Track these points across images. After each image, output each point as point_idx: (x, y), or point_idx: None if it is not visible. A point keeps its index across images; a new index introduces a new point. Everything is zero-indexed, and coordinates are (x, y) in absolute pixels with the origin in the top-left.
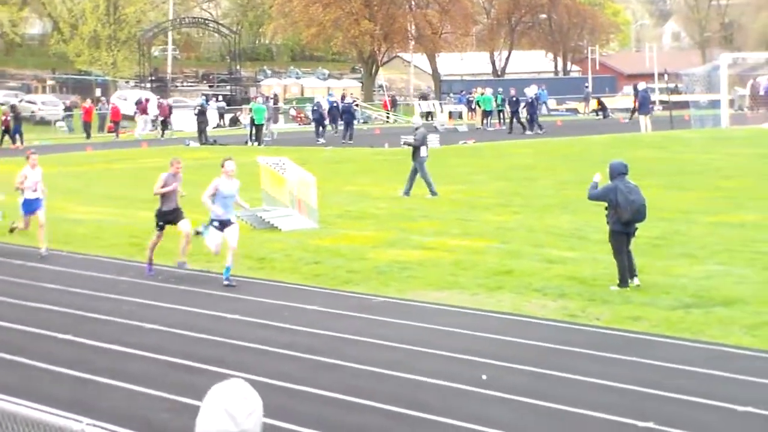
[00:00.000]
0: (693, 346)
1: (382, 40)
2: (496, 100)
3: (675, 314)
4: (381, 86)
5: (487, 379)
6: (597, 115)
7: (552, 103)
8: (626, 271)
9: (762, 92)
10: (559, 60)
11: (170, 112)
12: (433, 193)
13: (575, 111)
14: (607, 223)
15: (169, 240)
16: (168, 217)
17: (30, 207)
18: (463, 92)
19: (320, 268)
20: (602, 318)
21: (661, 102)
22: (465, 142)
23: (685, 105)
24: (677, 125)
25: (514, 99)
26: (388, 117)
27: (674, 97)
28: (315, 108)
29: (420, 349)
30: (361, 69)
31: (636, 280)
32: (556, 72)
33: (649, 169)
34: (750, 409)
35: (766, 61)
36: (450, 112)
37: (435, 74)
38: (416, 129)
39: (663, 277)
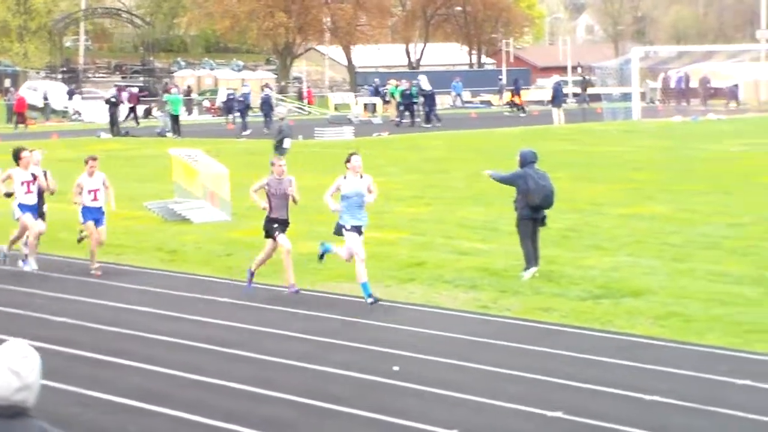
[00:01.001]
0: (602, 336)
1: (296, 32)
2: (411, 93)
3: (584, 305)
4: (296, 78)
5: (399, 370)
6: (511, 107)
7: (467, 95)
8: (531, 256)
9: (673, 85)
10: (474, 52)
11: (139, 101)
12: None
13: (489, 103)
14: (515, 209)
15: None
16: (275, 225)
17: (91, 215)
18: (378, 84)
19: (232, 260)
20: (513, 309)
21: (575, 95)
22: (379, 134)
23: (597, 98)
24: (589, 118)
25: (408, 92)
26: (302, 109)
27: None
28: (240, 99)
29: (332, 341)
30: (276, 61)
31: (532, 274)
32: (470, 64)
33: (561, 161)
34: (657, 398)
35: (677, 54)
36: (365, 104)
37: (350, 66)
38: (280, 120)
39: (573, 268)
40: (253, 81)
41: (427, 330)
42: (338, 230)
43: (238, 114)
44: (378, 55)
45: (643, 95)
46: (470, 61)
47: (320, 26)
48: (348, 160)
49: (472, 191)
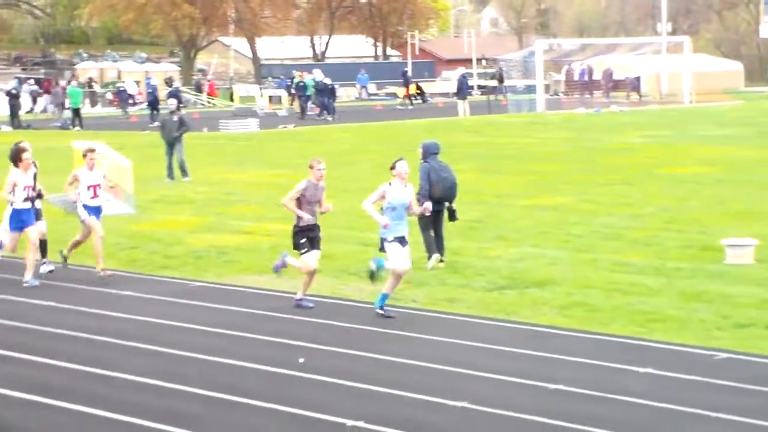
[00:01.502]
0: (507, 326)
1: (201, 23)
2: (316, 86)
3: (490, 296)
4: (200, 70)
5: (304, 362)
6: (416, 99)
7: (372, 87)
8: (433, 244)
9: (577, 77)
10: (380, 45)
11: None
12: (171, 178)
13: (394, 95)
14: (418, 201)
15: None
16: (309, 234)
17: (92, 212)
18: (284, 76)
19: (136, 253)
20: (419, 300)
21: (480, 87)
22: (285, 127)
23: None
24: (494, 110)
25: (302, 84)
26: (210, 101)
27: (492, 82)
28: (150, 91)
29: (238, 333)
30: (180, 53)
31: (437, 261)
32: (376, 57)
33: (467, 153)
34: (561, 386)
35: (580, 47)
36: (270, 97)
37: (255, 58)
38: (170, 113)
39: (478, 259)
40: (156, 73)
41: (332, 322)
42: (382, 245)
43: (146, 106)
44: (283, 47)
45: (547, 87)
46: (376, 53)
47: (225, 18)
48: (393, 167)
49: (378, 182)
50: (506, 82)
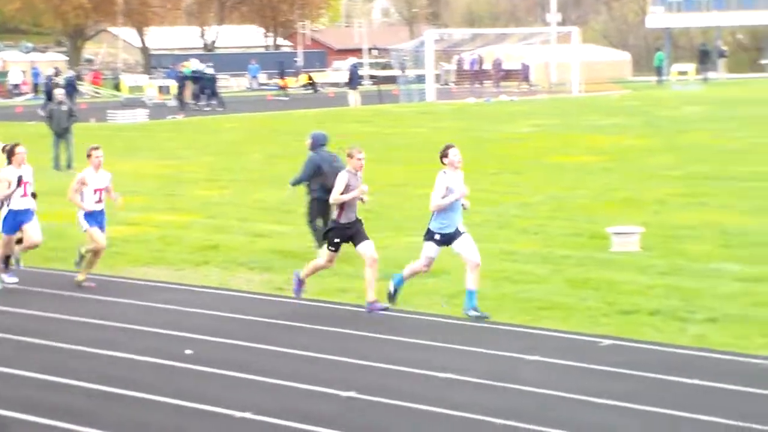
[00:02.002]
0: (398, 316)
1: (90, 12)
2: (192, 75)
3: (382, 285)
4: (88, 60)
5: (193, 353)
6: (307, 89)
7: (263, 77)
8: (321, 234)
9: (467, 67)
10: (271, 35)
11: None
12: (57, 168)
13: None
14: (308, 193)
15: None
16: (347, 232)
17: (95, 220)
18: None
19: None
20: (308, 290)
21: (371, 77)
22: (174, 117)
23: (393, 80)
24: (386, 100)
25: (181, 74)
26: (97, 91)
27: (383, 72)
28: (46, 81)
29: (128, 326)
30: (67, 43)
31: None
32: (267, 47)
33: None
34: (450, 375)
35: (470, 37)
36: (159, 87)
37: (144, 48)
38: (58, 103)
39: None
40: (43, 63)
41: (222, 313)
42: (430, 235)
43: (34, 96)
44: (173, 37)
45: (438, 77)
46: (266, 43)
47: (114, 7)
48: (445, 154)
49: (268, 173)
50: (397, 72)
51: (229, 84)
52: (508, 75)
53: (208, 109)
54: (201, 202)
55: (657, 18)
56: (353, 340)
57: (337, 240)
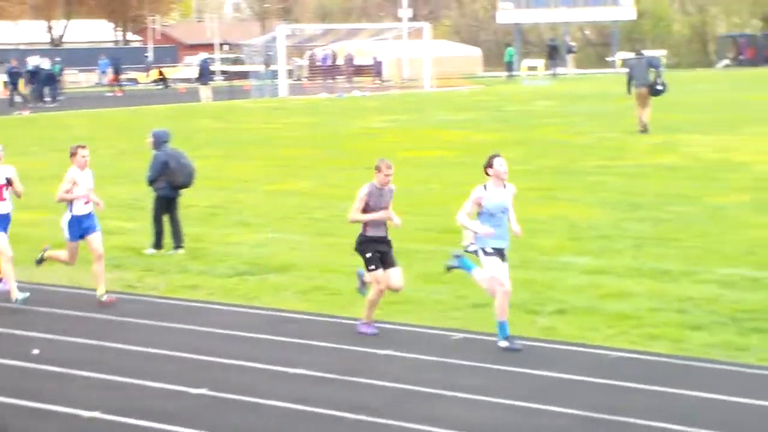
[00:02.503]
0: (248, 312)
1: None
2: (53, 71)
3: (231, 282)
4: None
5: (38, 353)
6: (157, 85)
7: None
8: (162, 236)
9: (320, 63)
10: (121, 29)
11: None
12: None
13: (135, 81)
14: (155, 190)
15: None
16: (378, 247)
17: (80, 227)
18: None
19: None
20: (160, 288)
21: (222, 72)
22: (20, 113)
23: (245, 75)
24: (237, 95)
25: (15, 70)
26: None
27: (235, 67)
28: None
29: None
30: None
31: (181, 249)
32: (116, 42)
33: (209, 139)
34: (301, 371)
35: (323, 32)
36: (5, 82)
37: None
38: None
39: (220, 245)
40: None
41: (69, 311)
42: (470, 249)
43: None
44: (18, 32)
45: (290, 73)
46: (116, 38)
47: None
48: (489, 164)
49: (118, 169)
50: (248, 68)
51: (77, 79)
52: (361, 70)
53: (52, 105)
54: (51, 199)
55: (507, 14)
56: (203, 337)
57: (369, 255)
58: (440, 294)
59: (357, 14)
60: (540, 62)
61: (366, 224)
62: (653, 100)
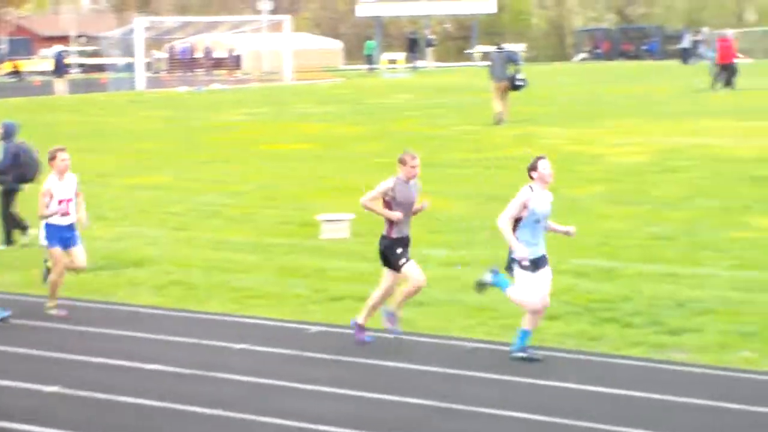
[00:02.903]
0: (103, 307)
1: None
2: None
3: (86, 277)
4: None
5: None
6: (11, 78)
7: None
8: (12, 227)
9: (179, 56)
10: None
11: None
12: None
13: None
14: (1, 183)
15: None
16: (401, 244)
17: (59, 234)
18: None
19: None
20: (6, 284)
21: (80, 65)
22: None
23: (102, 68)
24: (94, 88)
25: None
26: None
27: (92, 60)
28: None
29: None
30: None
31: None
32: None
33: (65, 132)
34: (157, 366)
35: (181, 25)
36: None
37: None
38: None
39: None
40: None
41: None
42: (510, 266)
43: None
44: None
45: (148, 65)
46: None
47: None
48: (534, 167)
49: None
50: (106, 60)
51: None
52: (220, 63)
53: None
54: None
55: (367, 7)
56: (57, 335)
57: (399, 250)
58: (298, 287)
59: (217, 7)
60: (400, 55)
61: (391, 225)
62: (512, 93)
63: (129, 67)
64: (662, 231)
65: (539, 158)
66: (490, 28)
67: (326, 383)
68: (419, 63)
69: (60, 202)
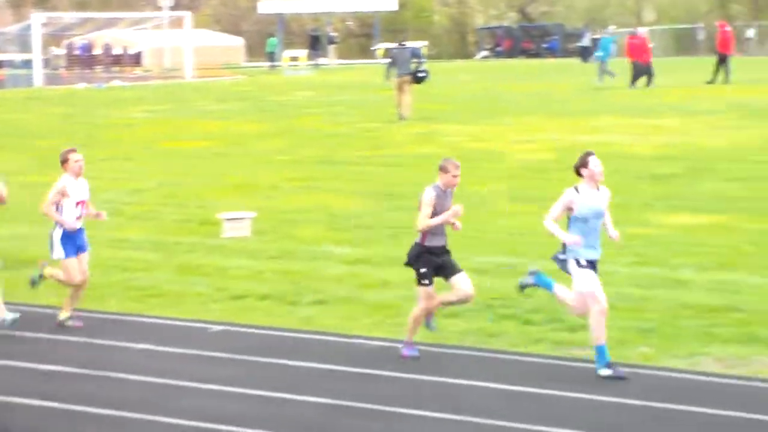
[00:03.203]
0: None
1: None
2: None
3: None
4: None
5: None
6: None
7: None
8: None
9: (78, 52)
10: None
11: None
12: None
13: None
14: None
15: None
16: (435, 260)
17: (75, 244)
18: None
19: None
20: None
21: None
22: None
23: None
24: None
25: None
26: None
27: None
28: None
29: None
30: None
31: None
32: None
33: None
34: (54, 367)
35: (80, 21)
36: None
37: None
38: None
39: None
40: None
41: None
42: (562, 265)
43: None
44: None
45: (46, 62)
46: None
47: None
48: (583, 164)
49: None
50: (3, 56)
51: None
52: (120, 60)
53: None
54: None
55: (269, 4)
56: None
57: (424, 270)
58: (199, 286)
59: (117, 3)
60: (302, 52)
61: (425, 233)
62: (414, 90)
63: (27, 64)
64: None
65: (588, 154)
66: (392, 26)
67: (227, 382)
68: (321, 60)
69: (77, 204)
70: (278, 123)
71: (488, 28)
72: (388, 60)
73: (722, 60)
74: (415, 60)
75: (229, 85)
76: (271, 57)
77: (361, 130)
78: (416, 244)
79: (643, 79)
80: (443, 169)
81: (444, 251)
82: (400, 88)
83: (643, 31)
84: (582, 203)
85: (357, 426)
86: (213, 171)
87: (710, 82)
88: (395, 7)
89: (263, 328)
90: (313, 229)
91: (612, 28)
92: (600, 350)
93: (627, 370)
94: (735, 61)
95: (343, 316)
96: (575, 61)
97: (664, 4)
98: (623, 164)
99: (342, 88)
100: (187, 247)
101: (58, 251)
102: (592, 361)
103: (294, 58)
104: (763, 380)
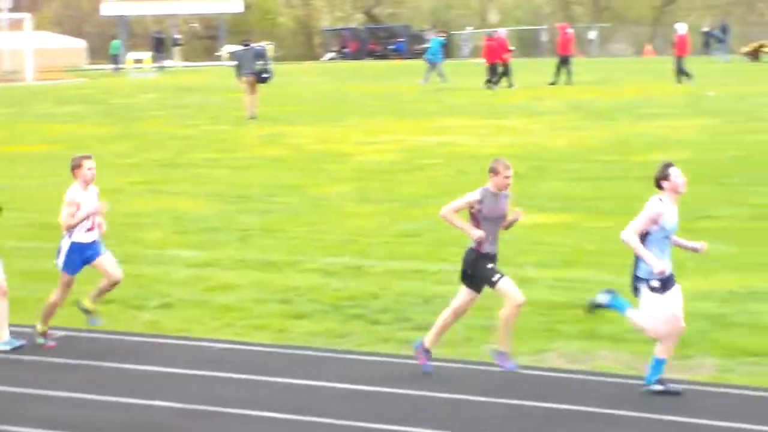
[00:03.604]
0: None
1: None
2: None
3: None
4: None
5: None
6: None
7: None
8: None
9: None
10: None
11: None
12: None
13: None
14: None
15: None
16: (489, 264)
17: (82, 256)
18: None
19: None
20: None
21: None
22: None
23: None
24: None
25: None
26: None
27: None
28: None
29: None
30: None
31: None
32: None
33: None
34: None
35: None
36: None
37: None
38: None
39: None
40: None
41: None
42: (636, 287)
43: None
44: None
45: None
46: None
47: None
48: (665, 176)
49: None
50: None
51: None
52: None
53: None
54: None
55: (112, 6)
56: None
57: (490, 265)
58: (42, 292)
59: None
60: (146, 55)
61: (480, 241)
62: (261, 90)
63: None
64: (410, 228)
65: (668, 165)
66: (238, 28)
67: (72, 389)
68: (166, 62)
69: (87, 215)
70: (122, 126)
71: (335, 29)
72: (234, 62)
73: (564, 61)
74: (260, 60)
75: (70, 88)
76: (115, 59)
77: (207, 133)
78: (471, 250)
79: (504, 81)
80: (494, 171)
81: (495, 259)
82: (247, 88)
83: (502, 32)
84: (669, 217)
85: (205, 429)
86: (54, 174)
87: (552, 84)
88: (240, 9)
89: (107, 332)
90: (158, 232)
91: (469, 29)
92: (659, 363)
93: (473, 367)
94: (577, 62)
95: (189, 320)
96: (422, 63)
97: (509, 5)
98: (468, 165)
99: (188, 90)
100: (27, 252)
101: (60, 260)
102: (440, 359)
103: (138, 61)
104: (605, 374)
